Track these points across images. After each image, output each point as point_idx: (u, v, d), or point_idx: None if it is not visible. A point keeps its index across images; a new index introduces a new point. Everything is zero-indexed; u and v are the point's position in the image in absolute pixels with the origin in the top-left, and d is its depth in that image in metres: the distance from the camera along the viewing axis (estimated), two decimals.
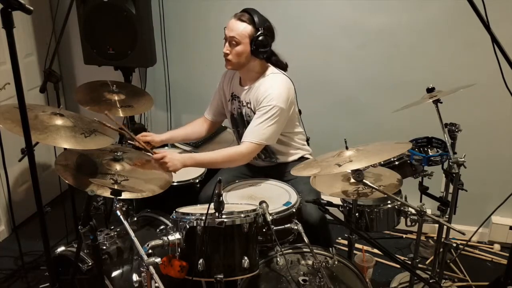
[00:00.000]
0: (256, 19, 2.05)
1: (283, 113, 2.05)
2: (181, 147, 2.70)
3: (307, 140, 2.44)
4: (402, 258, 2.64)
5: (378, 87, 2.77)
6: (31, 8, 1.14)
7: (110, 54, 2.60)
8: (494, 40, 1.33)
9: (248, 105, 2.18)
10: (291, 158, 2.30)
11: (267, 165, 2.33)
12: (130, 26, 2.51)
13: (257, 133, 2.04)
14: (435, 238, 2.13)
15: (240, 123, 2.28)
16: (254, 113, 2.11)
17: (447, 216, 2.07)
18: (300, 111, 2.35)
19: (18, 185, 2.95)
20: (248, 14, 2.06)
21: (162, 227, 1.76)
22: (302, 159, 2.30)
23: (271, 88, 2.06)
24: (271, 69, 2.17)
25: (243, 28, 2.04)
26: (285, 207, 1.88)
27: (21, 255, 2.29)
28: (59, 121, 1.65)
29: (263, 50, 2.07)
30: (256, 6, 2.78)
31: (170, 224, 1.94)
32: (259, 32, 2.04)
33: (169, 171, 1.93)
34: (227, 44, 2.09)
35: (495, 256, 2.69)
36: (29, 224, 2.98)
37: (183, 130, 2.46)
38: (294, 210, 1.88)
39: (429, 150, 2.15)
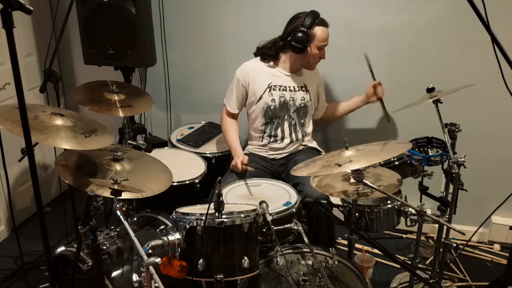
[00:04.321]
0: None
1: None
2: (181, 147, 2.70)
3: None
4: (402, 258, 2.64)
5: None
6: (31, 8, 1.14)
7: (110, 54, 2.60)
8: (494, 40, 1.33)
9: (303, 88, 2.41)
10: (311, 144, 2.54)
11: (290, 153, 2.46)
12: (130, 26, 2.51)
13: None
14: (435, 238, 2.13)
15: (282, 111, 2.38)
16: (311, 95, 2.44)
17: (447, 216, 2.07)
18: None
19: (18, 185, 2.95)
20: (321, 18, 2.28)
21: (162, 227, 1.76)
22: (316, 150, 2.53)
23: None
24: None
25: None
26: (285, 207, 1.88)
27: (21, 255, 2.28)
28: (59, 121, 1.65)
29: None
30: (255, 6, 2.80)
31: (170, 224, 1.94)
32: None
33: None
34: (324, 52, 2.32)
35: (495, 256, 2.69)
36: (29, 224, 2.97)
37: (238, 136, 2.50)
38: (294, 210, 1.88)
39: (429, 150, 2.16)
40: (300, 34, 2.21)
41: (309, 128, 2.50)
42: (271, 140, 2.41)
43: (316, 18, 2.24)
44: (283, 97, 2.36)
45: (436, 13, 2.54)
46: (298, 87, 2.39)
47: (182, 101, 3.17)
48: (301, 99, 2.38)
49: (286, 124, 2.39)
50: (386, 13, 2.61)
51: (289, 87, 2.37)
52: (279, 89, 2.36)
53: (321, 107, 2.62)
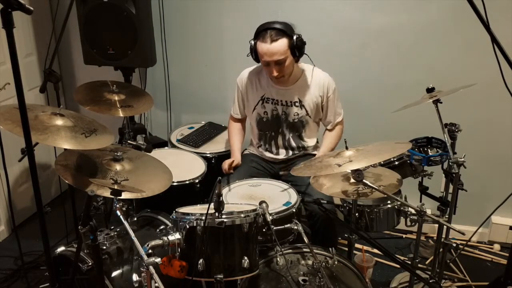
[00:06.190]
0: (283, 27, 2.05)
1: None
2: (181, 147, 2.70)
3: None
4: (402, 258, 2.64)
5: (378, 87, 2.77)
6: (31, 8, 1.14)
7: (110, 54, 2.60)
8: (494, 40, 1.33)
9: (297, 104, 2.27)
10: (314, 151, 2.42)
11: (291, 157, 2.40)
12: (130, 26, 2.51)
13: (339, 111, 2.37)
14: (435, 238, 2.13)
15: (274, 124, 2.32)
16: (307, 109, 2.27)
17: (447, 216, 2.07)
18: None
19: (18, 185, 2.95)
20: (275, 30, 2.05)
21: (162, 227, 1.76)
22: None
23: (324, 76, 2.29)
24: (301, 64, 2.27)
25: (281, 45, 2.05)
26: (285, 207, 1.88)
27: (21, 255, 2.28)
28: (59, 121, 1.65)
29: (303, 49, 2.13)
30: (254, 8, 2.80)
31: (170, 224, 1.94)
32: (294, 37, 2.07)
33: None
34: (272, 68, 2.10)
35: (495, 256, 2.69)
36: (29, 224, 2.97)
37: (240, 140, 2.47)
38: (294, 210, 1.88)
39: (429, 150, 2.15)
40: (251, 43, 2.15)
41: (310, 141, 2.40)
42: (266, 151, 2.41)
43: (260, 31, 2.08)
44: (275, 110, 2.31)
45: (436, 13, 2.54)
46: (291, 102, 2.28)
47: (182, 101, 3.17)
48: (294, 115, 2.29)
49: (280, 138, 2.36)
50: (386, 13, 2.61)
51: (281, 101, 2.29)
52: (272, 102, 2.30)
53: (327, 121, 2.39)
